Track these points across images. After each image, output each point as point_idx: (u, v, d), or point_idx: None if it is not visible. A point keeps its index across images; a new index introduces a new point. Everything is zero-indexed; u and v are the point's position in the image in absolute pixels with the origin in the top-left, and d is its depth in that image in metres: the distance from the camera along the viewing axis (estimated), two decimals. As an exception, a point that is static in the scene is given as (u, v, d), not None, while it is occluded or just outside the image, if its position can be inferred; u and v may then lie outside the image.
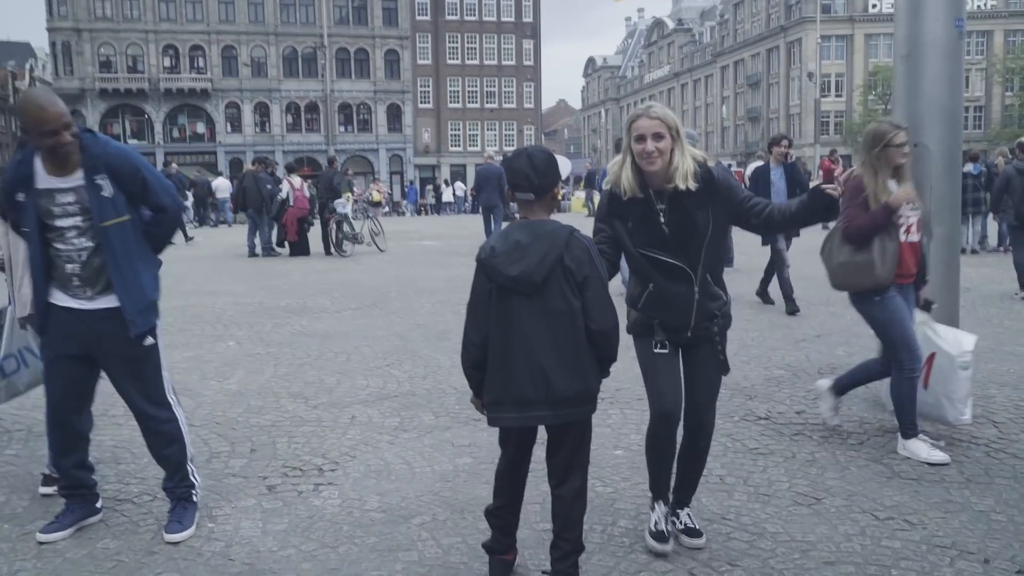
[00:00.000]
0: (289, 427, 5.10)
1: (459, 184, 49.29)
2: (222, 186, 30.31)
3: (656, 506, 3.42)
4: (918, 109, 5.07)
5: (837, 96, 71.17)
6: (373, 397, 5.80)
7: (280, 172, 22.19)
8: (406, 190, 51.77)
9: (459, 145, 63.47)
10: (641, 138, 3.09)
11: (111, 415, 5.30)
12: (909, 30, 5.08)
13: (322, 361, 6.96)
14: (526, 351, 2.81)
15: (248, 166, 16.93)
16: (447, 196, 46.96)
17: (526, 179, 2.86)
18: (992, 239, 15.42)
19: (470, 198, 45.78)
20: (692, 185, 3.10)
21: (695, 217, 3.14)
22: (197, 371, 6.63)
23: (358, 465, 4.41)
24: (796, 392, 5.76)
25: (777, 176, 9.35)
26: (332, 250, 16.70)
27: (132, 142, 53.16)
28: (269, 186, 16.68)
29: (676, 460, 3.43)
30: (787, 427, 4.98)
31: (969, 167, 14.27)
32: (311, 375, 6.46)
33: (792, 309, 8.84)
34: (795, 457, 4.46)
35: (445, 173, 59.09)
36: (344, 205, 17.11)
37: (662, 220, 3.16)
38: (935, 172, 5.04)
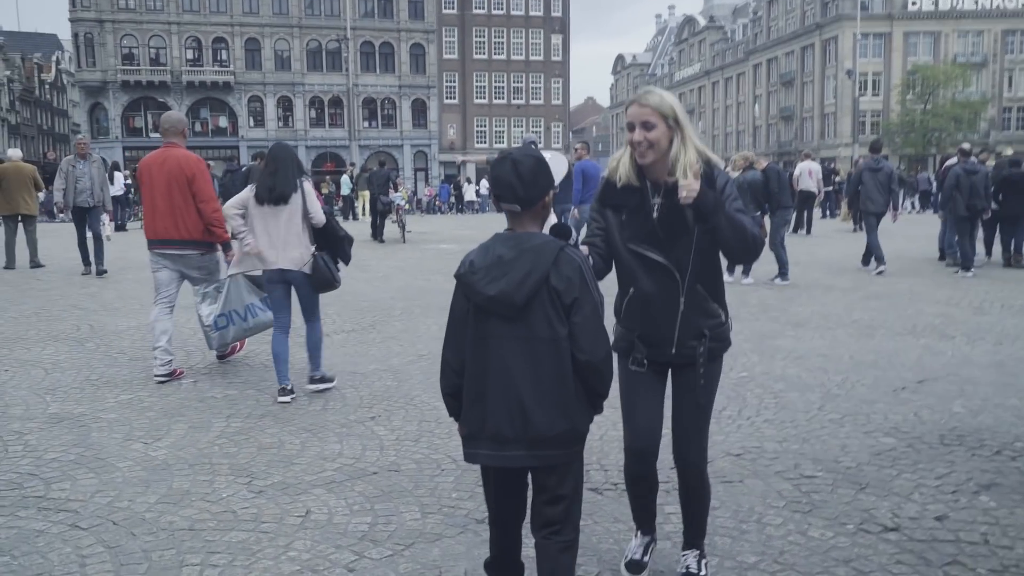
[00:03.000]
0: (211, 535, 3.57)
1: (484, 183, 47.76)
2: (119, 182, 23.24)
3: (636, 535, 3.25)
4: None
5: (874, 95, 68.98)
6: (343, 475, 4.28)
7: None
8: (439, 188, 50.46)
9: (485, 142, 61.88)
10: (631, 126, 2.81)
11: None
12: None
13: (290, 410, 5.46)
14: (504, 382, 2.45)
15: (249, 161, 15.61)
16: (469, 195, 45.31)
17: (510, 189, 2.48)
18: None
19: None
20: None
21: (686, 214, 2.77)
22: (124, 425, 5.14)
23: (292, 620, 2.88)
24: (923, 479, 4.16)
25: None
26: (383, 237, 19.24)
27: (155, 135, 52.16)
28: None
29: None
30: (931, 548, 3.39)
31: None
32: (269, 434, 4.95)
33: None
34: (966, 619, 2.89)
35: (470, 170, 57.53)
36: (401, 198, 20.00)
37: (655, 214, 2.84)
38: None
